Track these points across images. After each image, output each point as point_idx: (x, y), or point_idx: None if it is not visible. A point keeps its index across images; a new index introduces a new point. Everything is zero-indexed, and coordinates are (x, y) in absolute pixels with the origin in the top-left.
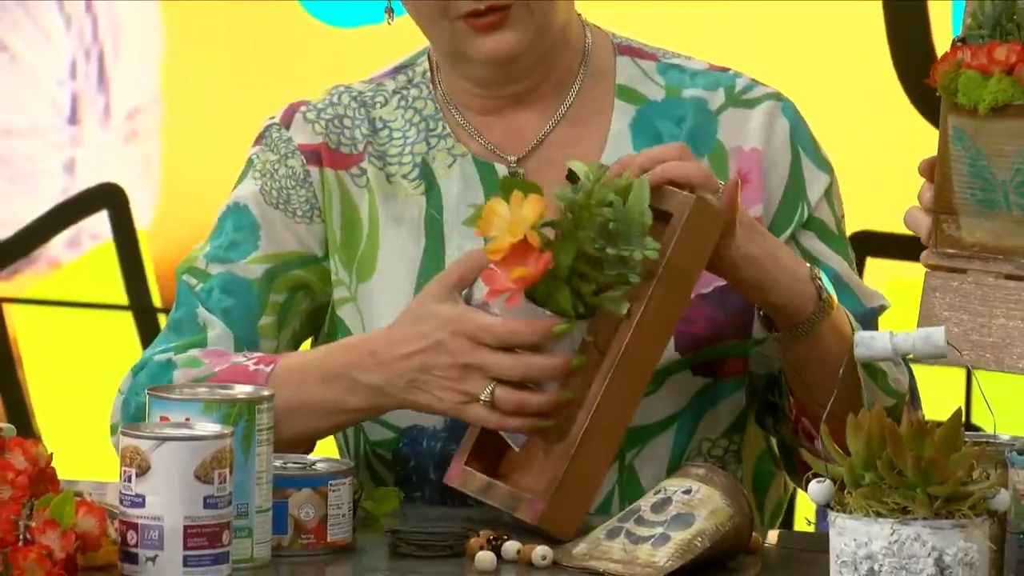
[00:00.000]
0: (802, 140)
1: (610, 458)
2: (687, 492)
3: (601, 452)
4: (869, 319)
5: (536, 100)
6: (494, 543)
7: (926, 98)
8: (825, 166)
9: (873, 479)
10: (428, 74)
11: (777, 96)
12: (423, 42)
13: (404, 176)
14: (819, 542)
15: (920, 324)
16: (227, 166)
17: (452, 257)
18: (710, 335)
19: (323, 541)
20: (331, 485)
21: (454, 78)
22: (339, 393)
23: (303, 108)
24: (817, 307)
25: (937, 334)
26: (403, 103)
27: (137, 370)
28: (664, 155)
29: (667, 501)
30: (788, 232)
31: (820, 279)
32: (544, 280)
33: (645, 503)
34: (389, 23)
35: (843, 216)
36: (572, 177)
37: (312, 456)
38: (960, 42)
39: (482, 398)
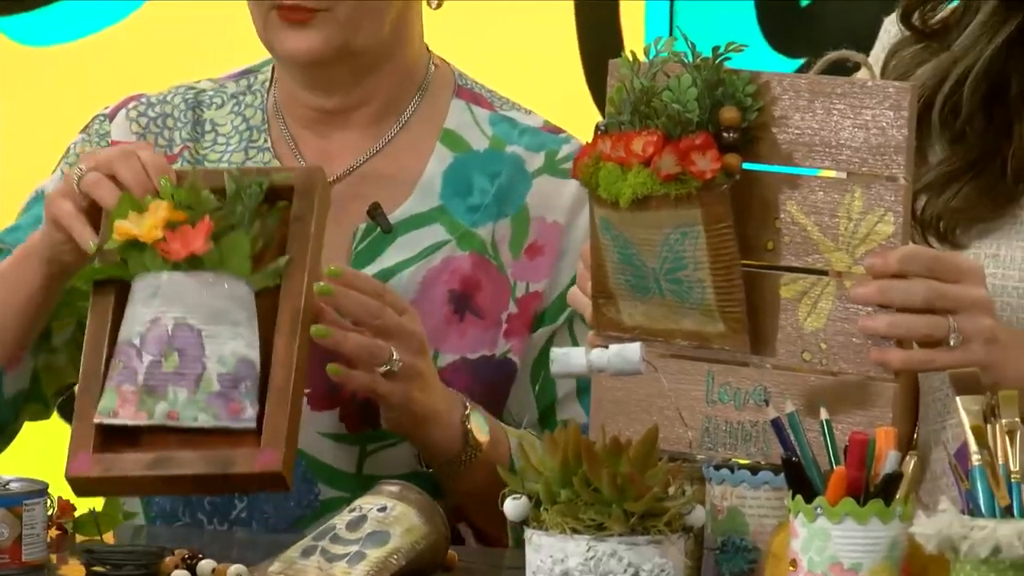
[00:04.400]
0: None
1: (301, 409)
2: (382, 510)
3: (300, 403)
4: None
5: (357, 125)
6: (189, 562)
7: None
8: None
9: (569, 495)
10: (267, 84)
11: None
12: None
13: None
14: (517, 559)
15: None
16: None
17: None
18: None
19: (18, 561)
20: (25, 505)
21: (288, 81)
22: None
23: (133, 103)
24: (463, 448)
25: (631, 350)
26: (236, 108)
27: None
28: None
29: (362, 519)
30: (561, 319)
31: (470, 421)
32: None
33: (340, 521)
34: None
35: None
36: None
37: (6, 476)
38: (601, 129)
39: None
